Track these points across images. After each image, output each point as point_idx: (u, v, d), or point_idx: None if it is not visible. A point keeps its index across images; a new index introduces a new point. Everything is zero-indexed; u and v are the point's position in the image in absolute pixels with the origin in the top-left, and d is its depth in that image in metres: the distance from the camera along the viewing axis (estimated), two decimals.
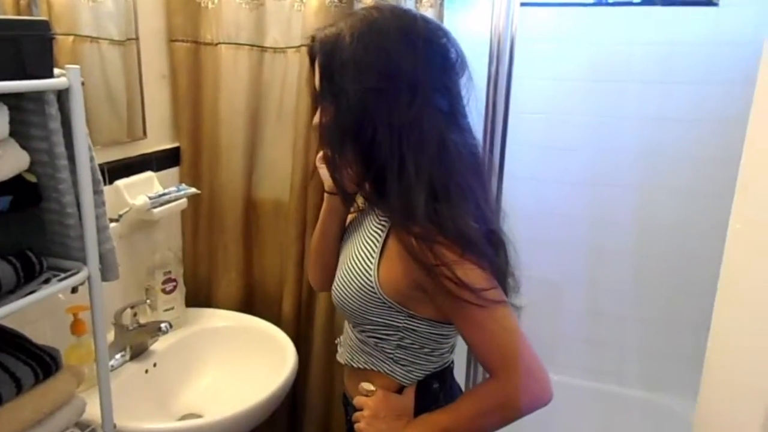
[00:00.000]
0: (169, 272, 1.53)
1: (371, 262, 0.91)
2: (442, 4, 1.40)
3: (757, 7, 1.80)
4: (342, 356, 1.04)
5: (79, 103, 0.87)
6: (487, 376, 0.88)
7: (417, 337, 0.93)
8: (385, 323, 0.93)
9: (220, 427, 1.23)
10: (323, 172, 0.98)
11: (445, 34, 0.88)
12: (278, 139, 1.63)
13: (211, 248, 1.72)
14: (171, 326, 1.41)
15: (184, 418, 1.42)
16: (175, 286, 1.55)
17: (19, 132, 0.86)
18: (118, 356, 1.38)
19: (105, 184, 1.03)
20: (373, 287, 0.90)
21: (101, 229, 0.95)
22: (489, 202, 0.94)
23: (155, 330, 1.40)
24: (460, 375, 1.13)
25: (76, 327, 1.22)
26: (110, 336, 1.36)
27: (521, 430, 0.97)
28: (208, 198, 1.67)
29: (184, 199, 1.55)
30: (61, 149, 0.87)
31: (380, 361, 0.96)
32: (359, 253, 0.94)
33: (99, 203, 0.94)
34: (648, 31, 1.95)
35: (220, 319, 1.64)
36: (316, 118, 0.92)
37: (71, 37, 1.28)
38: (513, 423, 0.88)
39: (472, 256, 0.82)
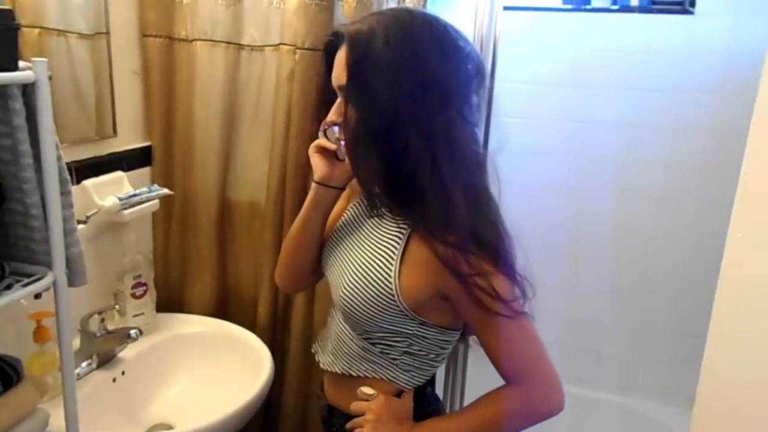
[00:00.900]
0: (140, 276, 1.47)
1: (390, 269, 0.89)
2: (425, 8, 1.38)
3: (731, 16, 1.83)
4: (333, 365, 1.00)
5: (45, 98, 0.82)
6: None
7: (425, 343, 0.93)
8: (395, 330, 0.91)
9: None
10: (315, 160, 0.97)
11: (468, 42, 0.88)
12: (255, 139, 1.58)
13: (184, 251, 1.66)
14: (141, 333, 1.35)
15: (153, 428, 1.37)
16: (145, 291, 1.49)
17: None
18: (84, 364, 1.32)
19: (72, 184, 0.99)
20: (393, 295, 0.88)
21: (68, 232, 0.90)
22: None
23: (124, 337, 1.34)
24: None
25: (39, 334, 1.15)
26: (76, 343, 1.29)
27: None
28: (181, 199, 1.62)
29: (156, 201, 1.49)
30: (26, 147, 0.82)
31: (383, 368, 0.94)
32: (374, 258, 0.92)
33: (66, 204, 0.89)
34: (626, 38, 1.97)
35: (193, 324, 1.58)
36: (334, 115, 0.90)
37: (37, 30, 1.22)
38: None
39: (505, 267, 0.83)
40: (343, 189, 1.01)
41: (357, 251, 0.96)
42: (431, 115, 0.82)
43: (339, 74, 0.87)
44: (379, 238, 0.93)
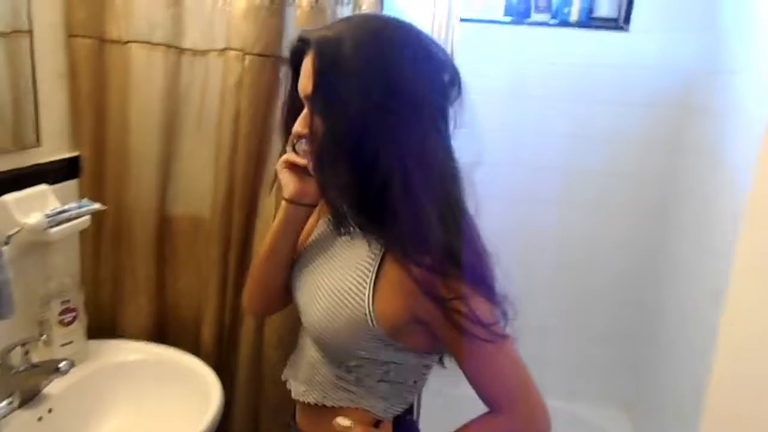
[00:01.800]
0: (68, 301, 1.33)
1: (363, 293, 0.83)
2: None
3: (662, 34, 1.92)
4: (306, 395, 0.93)
5: None
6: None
7: (403, 369, 0.87)
8: (371, 358, 0.85)
9: None
10: (284, 176, 0.91)
11: (443, 51, 0.84)
12: (197, 150, 1.48)
13: (117, 271, 1.52)
14: (73, 365, 1.21)
15: None
16: (74, 317, 1.34)
17: None
18: (3, 404, 1.16)
19: None
20: (366, 320, 0.82)
21: None
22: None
23: (52, 370, 1.20)
24: None
25: None
26: None
27: None
28: (114, 214, 1.48)
29: (87, 217, 1.35)
30: None
31: (360, 397, 0.88)
32: (346, 281, 0.86)
33: None
34: (566, 52, 2.02)
35: (129, 351, 1.44)
36: (299, 126, 0.84)
37: None
38: None
39: (484, 288, 0.78)
40: (315, 206, 0.95)
41: (328, 273, 0.90)
42: (403, 127, 0.78)
43: (305, 83, 0.82)
44: (351, 259, 0.87)
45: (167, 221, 1.51)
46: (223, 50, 1.40)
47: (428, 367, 0.91)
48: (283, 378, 1.00)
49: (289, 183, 0.92)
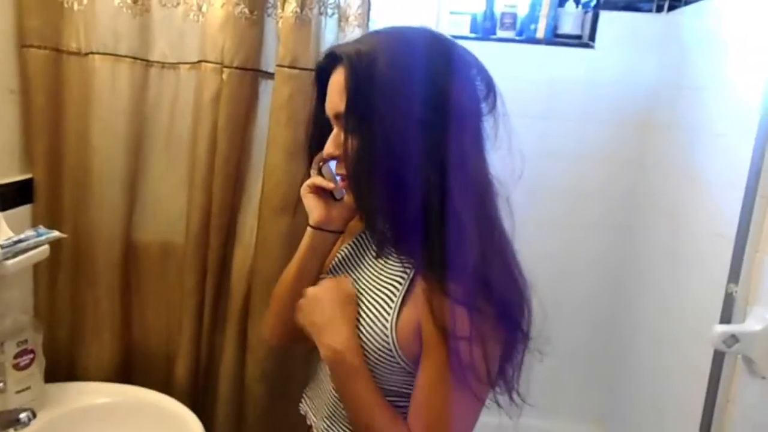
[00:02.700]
0: (25, 341, 1.18)
1: (387, 320, 0.77)
2: (368, 26, 1.28)
3: (627, 50, 1.97)
4: None
5: None
6: None
7: None
8: (401, 392, 0.79)
9: None
10: (309, 201, 0.87)
11: (475, 58, 0.80)
12: (167, 170, 1.36)
13: (76, 305, 1.37)
14: (34, 415, 1.07)
15: None
16: (32, 359, 1.19)
17: None
18: None
19: None
20: (391, 350, 0.76)
21: None
22: None
23: (11, 422, 1.05)
24: None
25: None
26: None
27: None
28: (73, 242, 1.34)
29: (46, 246, 1.21)
30: None
31: None
32: (371, 308, 0.80)
33: None
34: (532, 68, 2.04)
35: (93, 394, 1.30)
36: (331, 147, 0.79)
37: None
38: None
39: (509, 325, 0.74)
40: (341, 232, 0.89)
41: (356, 297, 0.83)
42: (444, 142, 0.73)
43: (335, 101, 0.77)
44: (379, 283, 0.82)
45: (133, 248, 1.38)
46: (197, 63, 1.30)
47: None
48: (301, 411, 0.92)
49: (314, 208, 0.86)
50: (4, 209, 1.23)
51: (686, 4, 1.83)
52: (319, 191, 0.86)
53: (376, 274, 0.83)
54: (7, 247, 1.10)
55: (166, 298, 1.39)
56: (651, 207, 1.94)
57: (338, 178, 0.82)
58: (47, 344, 1.34)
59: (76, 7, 1.28)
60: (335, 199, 0.86)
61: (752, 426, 1.31)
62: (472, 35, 2.11)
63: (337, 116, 0.77)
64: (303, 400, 0.93)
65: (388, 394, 0.79)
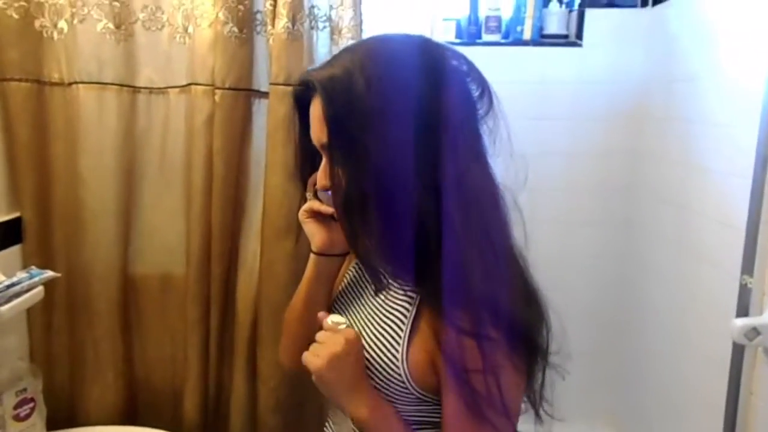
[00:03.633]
0: (24, 390, 1.12)
1: (398, 350, 0.72)
2: (361, 38, 1.25)
3: (615, 46, 1.96)
4: None
5: None
6: None
7: None
8: (420, 420, 0.74)
9: None
10: (309, 227, 0.82)
11: (464, 59, 0.74)
12: (161, 198, 1.31)
13: (74, 347, 1.31)
14: None
15: None
16: (32, 408, 1.13)
17: None
18: None
19: None
20: (402, 380, 0.71)
21: None
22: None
23: None
24: None
25: None
26: None
27: None
28: (67, 281, 1.28)
29: (40, 288, 1.15)
30: None
31: None
32: (379, 337, 0.75)
33: None
34: (521, 70, 2.02)
35: None
36: (323, 179, 0.74)
37: None
38: None
39: (522, 353, 0.68)
40: (346, 254, 0.84)
41: (363, 327, 0.79)
42: (438, 160, 0.67)
43: (318, 131, 0.71)
44: (385, 310, 0.77)
45: (131, 282, 1.33)
46: (187, 86, 1.26)
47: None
48: None
49: (315, 234, 0.81)
50: None
51: None
52: (317, 216, 0.81)
53: (382, 299, 0.78)
54: (1, 291, 1.04)
55: (168, 331, 1.34)
56: (652, 200, 1.93)
57: None
58: (45, 390, 1.27)
59: (56, 36, 1.23)
60: (336, 222, 0.79)
61: None
62: (458, 41, 2.09)
63: (322, 147, 0.72)
64: (327, 426, 0.89)
65: (410, 423, 0.75)
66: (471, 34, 2.08)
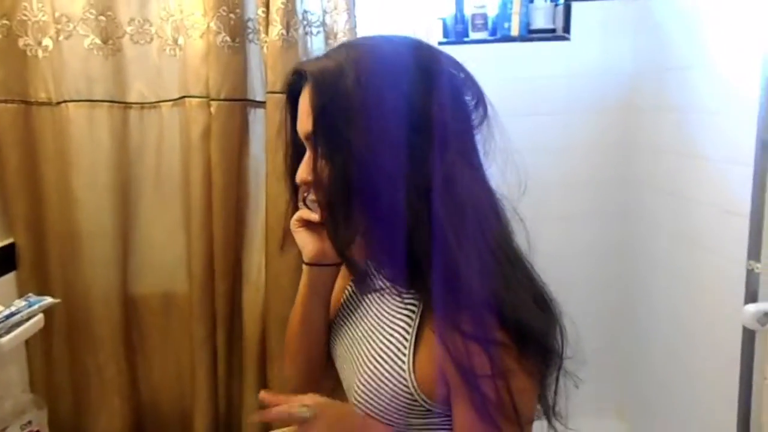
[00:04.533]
0: (29, 423, 1.08)
1: (404, 360, 0.70)
2: (354, 35, 1.23)
3: (604, 38, 1.96)
4: None
5: None
6: None
7: None
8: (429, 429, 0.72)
9: None
10: (300, 237, 0.78)
11: (462, 68, 0.73)
12: (159, 215, 1.28)
13: (77, 374, 1.27)
14: None
15: None
16: None
17: None
18: None
19: None
20: (410, 392, 0.69)
21: None
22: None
23: None
24: None
25: None
26: None
27: None
28: (66, 306, 1.24)
29: (40, 316, 1.11)
30: None
31: None
32: (385, 349, 0.72)
33: None
34: (511, 67, 2.01)
35: None
36: (304, 173, 0.72)
37: None
38: None
39: (533, 355, 0.65)
40: (340, 264, 0.80)
41: (366, 340, 0.76)
42: (424, 162, 0.66)
43: (304, 122, 0.70)
44: (387, 321, 0.74)
45: (132, 304, 1.29)
46: (180, 99, 1.23)
47: None
48: None
49: (307, 243, 0.78)
50: None
51: None
52: (309, 225, 0.77)
53: (383, 311, 0.76)
54: (0, 322, 1.00)
55: (174, 352, 1.30)
56: (649, 191, 1.93)
57: None
58: (50, 422, 1.23)
59: (40, 54, 1.19)
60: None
61: None
62: (445, 40, 2.07)
63: (306, 138, 0.71)
64: None
65: None
66: (458, 32, 2.07)
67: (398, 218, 0.65)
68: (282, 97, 1.15)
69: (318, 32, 1.21)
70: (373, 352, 0.73)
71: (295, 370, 0.87)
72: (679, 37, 1.73)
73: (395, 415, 0.70)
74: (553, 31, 2.02)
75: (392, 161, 0.65)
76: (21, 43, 1.18)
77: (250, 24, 1.21)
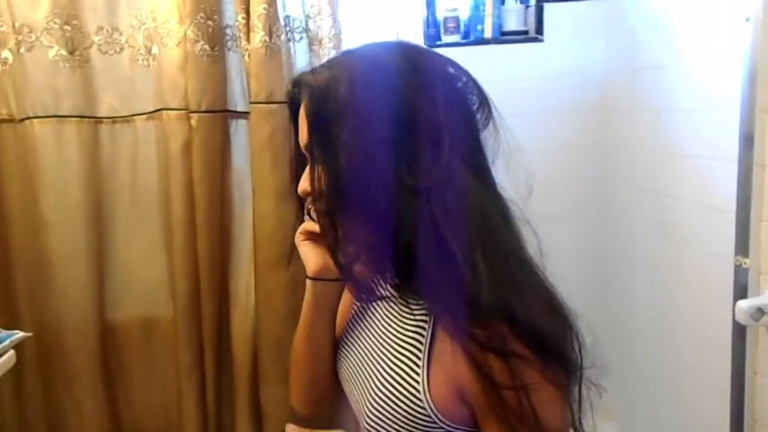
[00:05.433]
0: None
1: (417, 380, 0.66)
2: (341, 48, 1.18)
3: (577, 39, 1.97)
4: None
5: None
6: None
7: None
8: None
9: None
10: (304, 250, 0.75)
11: (462, 70, 0.71)
12: (135, 235, 1.21)
13: (51, 411, 1.18)
14: None
15: None
16: None
17: None
18: None
19: None
20: (427, 413, 0.65)
21: None
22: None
23: None
24: None
25: None
26: None
27: None
28: (37, 338, 1.14)
29: (11, 352, 1.02)
30: None
31: None
32: (397, 366, 0.68)
33: None
34: (485, 69, 1.99)
35: None
36: (304, 183, 0.69)
37: None
38: None
39: (554, 364, 0.63)
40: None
41: (375, 359, 0.72)
42: (423, 166, 0.63)
43: (303, 133, 0.68)
44: (397, 336, 0.71)
45: (111, 331, 1.21)
46: (156, 112, 1.16)
47: None
48: None
49: (311, 258, 0.74)
50: None
51: None
52: (313, 238, 0.74)
53: (393, 327, 0.72)
54: None
55: (157, 380, 1.23)
56: (627, 191, 1.94)
57: None
58: None
59: (0, 68, 1.10)
60: None
61: None
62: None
63: (306, 148, 0.68)
64: None
65: None
66: (430, 36, 2.04)
67: (397, 225, 0.62)
68: (267, 107, 1.12)
69: (301, 38, 1.16)
70: (383, 371, 0.69)
71: (301, 391, 0.83)
72: (650, 36, 1.75)
73: None
74: (526, 33, 2.02)
75: (386, 163, 0.62)
76: None
77: (228, 31, 1.15)
